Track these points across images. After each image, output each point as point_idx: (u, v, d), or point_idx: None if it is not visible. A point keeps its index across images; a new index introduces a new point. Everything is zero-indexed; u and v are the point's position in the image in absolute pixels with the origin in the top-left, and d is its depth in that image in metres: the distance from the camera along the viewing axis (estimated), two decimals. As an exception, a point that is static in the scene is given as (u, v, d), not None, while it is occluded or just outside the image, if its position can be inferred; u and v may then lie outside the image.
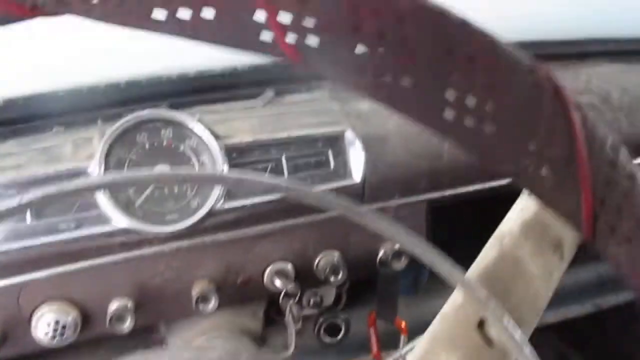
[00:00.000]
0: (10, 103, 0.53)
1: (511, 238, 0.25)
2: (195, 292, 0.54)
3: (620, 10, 0.88)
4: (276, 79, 0.60)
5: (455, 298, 0.26)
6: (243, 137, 0.53)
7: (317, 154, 0.55)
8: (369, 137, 0.57)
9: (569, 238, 0.24)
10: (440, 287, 0.48)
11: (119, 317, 0.52)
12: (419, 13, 0.20)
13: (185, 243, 0.53)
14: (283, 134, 0.54)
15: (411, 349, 0.34)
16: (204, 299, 0.54)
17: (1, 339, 0.50)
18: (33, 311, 0.51)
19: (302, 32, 0.20)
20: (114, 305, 0.52)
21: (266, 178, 0.25)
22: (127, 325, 0.52)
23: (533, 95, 0.22)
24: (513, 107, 0.21)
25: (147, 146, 0.51)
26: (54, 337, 0.50)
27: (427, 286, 0.77)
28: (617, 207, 0.22)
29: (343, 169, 0.56)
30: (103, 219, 0.49)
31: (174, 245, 0.53)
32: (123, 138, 0.50)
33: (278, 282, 0.57)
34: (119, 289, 0.53)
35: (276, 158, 0.55)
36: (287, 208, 0.55)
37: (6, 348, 0.50)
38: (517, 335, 0.24)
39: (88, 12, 0.21)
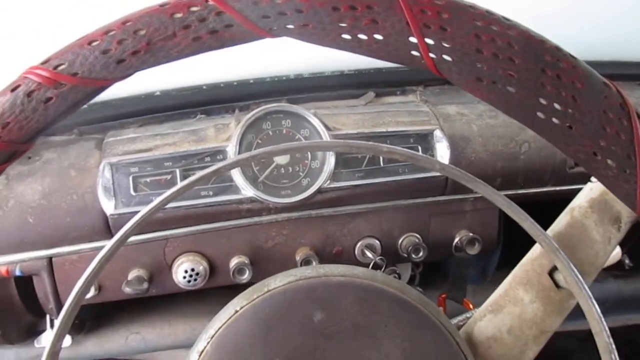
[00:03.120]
0: (165, 94, 0.66)
1: (580, 209, 0.33)
2: (299, 256, 0.65)
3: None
4: (376, 82, 0.71)
5: (533, 252, 0.35)
6: (348, 129, 0.64)
7: (408, 147, 0.65)
8: (454, 136, 0.66)
9: (626, 215, 0.33)
10: (505, 277, 0.56)
11: (239, 270, 0.63)
12: (523, 40, 0.30)
13: (294, 214, 0.64)
14: (381, 129, 0.64)
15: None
16: (306, 262, 0.65)
17: (149, 280, 0.63)
18: (174, 259, 0.64)
19: (440, 51, 0.30)
20: (234, 261, 0.64)
21: (403, 150, 0.35)
22: (246, 276, 0.63)
23: (605, 104, 0.30)
24: (589, 112, 0.30)
25: (270, 133, 0.63)
26: (189, 281, 0.63)
27: (494, 275, 0.84)
28: None
29: (430, 162, 0.65)
30: (234, 189, 0.61)
31: (285, 215, 0.64)
32: (253, 125, 0.62)
33: (368, 254, 0.67)
34: (239, 248, 0.65)
35: (373, 149, 0.65)
36: (380, 192, 0.65)
37: (152, 287, 0.63)
38: (581, 279, 0.32)
39: (301, 35, 0.31)
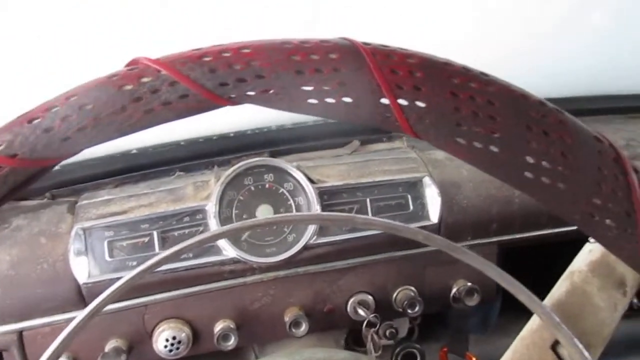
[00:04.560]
0: (142, 152, 0.64)
1: (580, 275, 0.30)
2: (288, 317, 0.61)
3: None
4: (361, 130, 0.69)
5: (532, 323, 0.31)
6: (333, 181, 0.61)
7: (397, 197, 0.62)
8: (444, 183, 0.63)
9: (632, 278, 0.30)
10: (508, 326, 0.52)
11: (224, 336, 0.59)
12: (503, 96, 0.27)
13: (281, 273, 0.61)
14: (368, 179, 0.62)
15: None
16: (296, 323, 0.61)
17: (127, 350, 0.59)
18: (154, 327, 0.60)
19: (415, 112, 0.28)
20: (219, 326, 0.60)
21: (381, 220, 0.32)
22: (232, 343, 0.59)
23: (598, 160, 0.27)
24: (581, 169, 0.27)
25: (252, 188, 0.60)
26: (170, 350, 0.59)
27: (496, 325, 0.80)
28: None
29: (421, 211, 0.62)
30: (216, 250, 0.58)
31: (271, 274, 0.61)
32: (234, 181, 0.59)
33: (360, 312, 0.63)
34: (223, 311, 0.61)
35: (362, 200, 0.62)
36: (370, 245, 0.62)
37: (131, 358, 0.59)
38: (587, 355, 0.29)
39: (264, 101, 0.29)
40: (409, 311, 0.64)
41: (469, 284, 0.66)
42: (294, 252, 0.59)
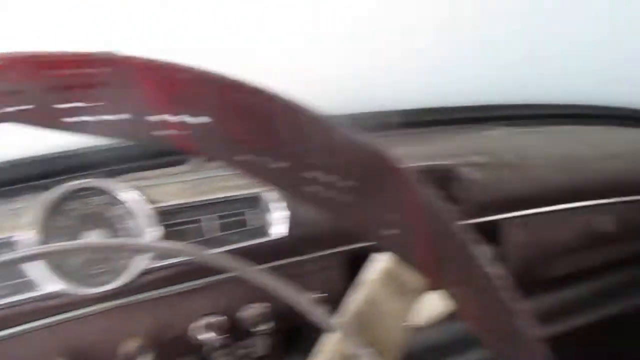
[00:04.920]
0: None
1: (373, 283, 0.31)
2: (128, 349, 0.57)
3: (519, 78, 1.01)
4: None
5: (327, 338, 0.32)
6: (171, 200, 0.58)
7: (238, 213, 0.61)
8: (284, 197, 0.63)
9: (419, 283, 0.31)
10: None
11: (52, 378, 0.54)
12: (286, 112, 0.27)
13: (117, 302, 0.57)
14: (208, 196, 0.60)
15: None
16: (135, 355, 0.57)
17: None
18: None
19: (194, 129, 0.26)
20: (47, 368, 0.54)
21: (167, 243, 0.30)
22: (62, 385, 0.54)
23: (377, 173, 0.28)
24: (361, 182, 0.28)
25: (79, 213, 0.55)
26: (-15, 402, 0.52)
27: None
28: (451, 258, 0.29)
29: (262, 227, 0.62)
30: (36, 284, 0.52)
31: (104, 305, 0.56)
32: (58, 206, 0.54)
33: (208, 336, 0.61)
34: (52, 351, 0.55)
35: (205, 218, 0.60)
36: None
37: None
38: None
39: (19, 120, 0.26)
40: (261, 328, 0.63)
41: (323, 294, 0.67)
42: (130, 279, 0.55)
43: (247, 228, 0.61)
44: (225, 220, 0.60)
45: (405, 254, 0.30)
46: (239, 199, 0.60)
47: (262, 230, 0.61)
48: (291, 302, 0.30)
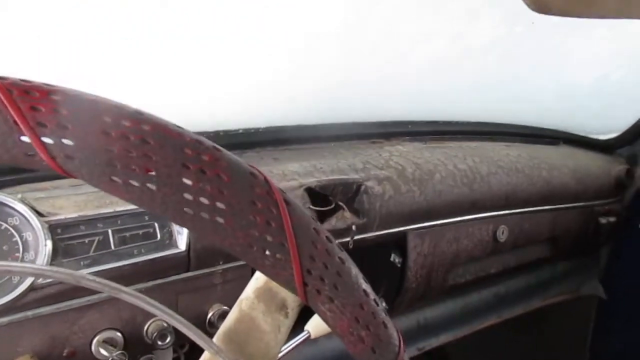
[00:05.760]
0: None
1: (247, 301, 0.32)
2: (17, 368, 0.55)
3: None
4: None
5: (205, 353, 0.32)
6: (67, 213, 0.56)
7: (143, 226, 0.60)
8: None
9: (292, 300, 0.32)
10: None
11: None
12: (159, 134, 0.28)
13: (4, 319, 0.54)
14: (108, 209, 0.58)
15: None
16: (25, 374, 0.54)
17: None
18: None
19: (63, 151, 0.26)
20: None
21: (31, 266, 0.30)
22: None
23: (252, 194, 0.29)
24: (238, 204, 0.29)
25: (-35, 226, 0.52)
26: None
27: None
28: (320, 275, 0.30)
29: (169, 240, 0.61)
30: None
31: (-8, 322, 0.54)
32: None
33: (105, 352, 0.59)
34: None
35: (103, 232, 0.58)
36: (114, 277, 0.58)
37: None
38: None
39: None
40: (160, 343, 0.62)
41: (224, 307, 0.67)
42: (17, 295, 0.53)
43: (153, 241, 0.60)
44: (131, 233, 0.59)
45: (276, 273, 0.31)
46: (143, 211, 0.60)
47: (167, 243, 0.61)
48: (169, 322, 0.30)
